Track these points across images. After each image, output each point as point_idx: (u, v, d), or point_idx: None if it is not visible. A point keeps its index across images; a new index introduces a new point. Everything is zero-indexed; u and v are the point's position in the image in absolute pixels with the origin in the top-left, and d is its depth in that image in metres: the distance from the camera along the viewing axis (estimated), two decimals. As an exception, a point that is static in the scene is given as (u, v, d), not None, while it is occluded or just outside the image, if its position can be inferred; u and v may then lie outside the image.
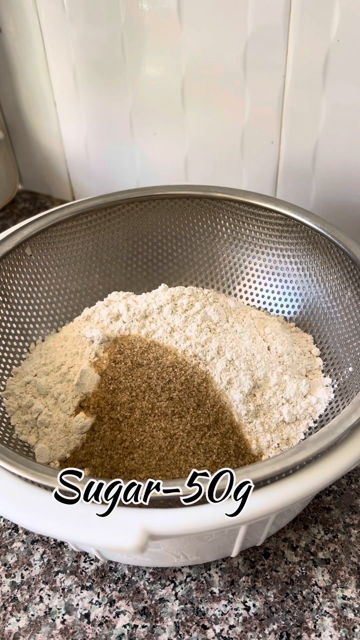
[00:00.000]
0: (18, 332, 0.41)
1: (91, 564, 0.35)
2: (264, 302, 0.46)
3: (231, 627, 0.32)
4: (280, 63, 0.48)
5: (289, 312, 0.45)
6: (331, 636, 0.31)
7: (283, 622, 0.32)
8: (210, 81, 0.53)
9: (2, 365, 0.39)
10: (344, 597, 0.33)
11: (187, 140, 0.58)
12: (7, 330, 0.40)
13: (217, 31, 0.49)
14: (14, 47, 0.65)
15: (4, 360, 0.39)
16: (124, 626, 0.32)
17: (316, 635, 0.31)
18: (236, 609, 0.33)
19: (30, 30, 0.62)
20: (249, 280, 0.47)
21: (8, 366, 0.39)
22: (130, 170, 0.65)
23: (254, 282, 0.47)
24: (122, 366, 0.37)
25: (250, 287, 0.47)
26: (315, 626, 0.32)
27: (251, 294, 0.47)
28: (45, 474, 0.26)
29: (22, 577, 0.35)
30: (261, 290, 0.46)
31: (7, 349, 0.40)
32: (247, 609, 0.33)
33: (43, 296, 0.44)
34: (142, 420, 0.34)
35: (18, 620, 0.33)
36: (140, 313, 0.40)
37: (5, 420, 0.36)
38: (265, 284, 0.46)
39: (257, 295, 0.46)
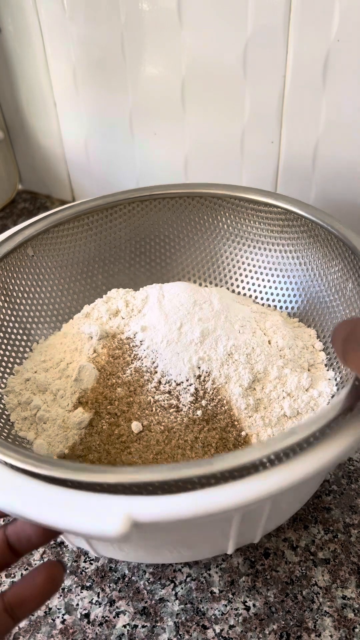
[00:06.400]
0: (20, 331, 0.41)
1: (91, 564, 0.35)
2: (267, 299, 0.46)
3: (231, 627, 0.32)
4: (280, 63, 0.48)
5: (292, 308, 0.45)
6: (331, 636, 0.31)
7: (283, 622, 0.32)
8: (210, 81, 0.53)
9: (4, 364, 0.39)
10: (344, 597, 0.33)
11: (187, 140, 0.58)
12: (9, 330, 0.40)
13: (217, 31, 0.49)
14: (14, 47, 0.65)
15: (5, 360, 0.39)
16: (124, 626, 0.32)
17: (316, 635, 0.31)
18: (236, 609, 0.33)
19: (30, 30, 0.62)
20: (252, 277, 0.47)
21: (10, 364, 0.39)
22: (130, 170, 0.65)
23: (257, 278, 0.47)
24: (121, 361, 0.37)
25: (253, 284, 0.47)
26: (315, 626, 0.32)
27: (254, 290, 0.47)
28: (32, 459, 0.25)
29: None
30: (264, 287, 0.46)
31: (9, 348, 0.40)
32: (247, 609, 0.33)
33: (46, 296, 0.44)
34: (140, 415, 0.34)
35: (18, 620, 0.33)
36: (138, 308, 0.40)
37: (4, 417, 0.36)
38: (268, 280, 0.46)
39: (260, 292, 0.46)
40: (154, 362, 0.36)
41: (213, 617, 0.32)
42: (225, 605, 0.33)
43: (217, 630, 0.32)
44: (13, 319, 0.41)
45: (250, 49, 0.49)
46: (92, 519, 0.23)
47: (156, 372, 0.36)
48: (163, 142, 0.60)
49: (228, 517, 0.28)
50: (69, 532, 0.23)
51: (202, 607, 0.33)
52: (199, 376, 0.35)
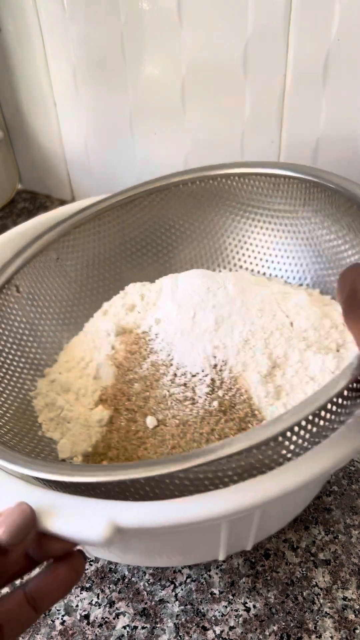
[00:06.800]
0: (51, 334, 0.41)
1: (91, 564, 0.35)
2: (293, 277, 0.44)
3: (231, 628, 0.32)
4: (280, 63, 0.48)
5: (321, 284, 0.42)
6: (332, 637, 0.31)
7: (283, 623, 0.32)
8: (210, 81, 0.53)
9: (34, 368, 0.39)
10: (344, 598, 0.33)
11: (187, 140, 0.58)
12: (38, 334, 0.41)
13: (217, 31, 0.49)
14: (14, 47, 0.65)
15: (35, 363, 0.39)
16: (124, 627, 0.32)
17: (317, 637, 0.31)
18: (236, 610, 0.33)
19: (30, 30, 0.62)
20: (281, 257, 0.45)
21: (40, 367, 0.39)
22: (130, 169, 0.65)
23: (282, 256, 0.44)
24: (137, 356, 0.36)
25: (278, 262, 0.45)
26: (315, 627, 0.32)
27: (285, 271, 0.45)
28: (19, 461, 0.25)
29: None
30: (295, 265, 0.44)
31: (40, 351, 0.40)
32: (248, 610, 0.33)
33: (74, 297, 0.44)
34: (155, 409, 0.34)
35: (17, 622, 0.33)
36: (153, 301, 0.40)
37: (32, 419, 0.36)
38: (300, 258, 0.44)
39: (292, 271, 0.44)
40: (169, 355, 0.36)
41: (213, 618, 0.32)
42: (226, 607, 0.33)
43: (217, 632, 0.32)
44: (42, 322, 0.41)
45: (250, 48, 0.49)
46: (76, 523, 0.23)
47: (172, 365, 0.35)
48: (163, 142, 0.60)
49: (215, 526, 0.27)
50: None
51: (202, 608, 0.33)
52: (215, 365, 0.34)
